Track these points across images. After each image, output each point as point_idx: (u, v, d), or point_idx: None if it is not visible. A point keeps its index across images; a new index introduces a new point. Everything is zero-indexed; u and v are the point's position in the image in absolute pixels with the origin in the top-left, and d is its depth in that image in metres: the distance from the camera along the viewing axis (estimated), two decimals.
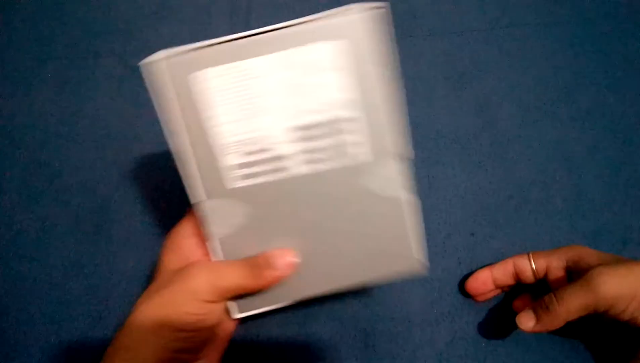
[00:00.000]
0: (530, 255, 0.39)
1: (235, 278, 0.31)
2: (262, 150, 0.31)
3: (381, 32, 0.29)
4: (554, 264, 0.38)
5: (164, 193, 0.47)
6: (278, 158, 0.31)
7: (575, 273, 0.35)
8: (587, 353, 0.40)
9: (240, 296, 0.33)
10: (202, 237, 0.33)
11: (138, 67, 0.30)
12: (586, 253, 0.37)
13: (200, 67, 0.30)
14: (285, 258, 0.32)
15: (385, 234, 0.32)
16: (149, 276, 0.44)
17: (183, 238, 0.34)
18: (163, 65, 0.30)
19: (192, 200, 0.32)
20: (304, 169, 0.31)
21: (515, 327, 0.36)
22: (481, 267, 0.41)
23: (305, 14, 0.29)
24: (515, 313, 0.36)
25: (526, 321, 0.35)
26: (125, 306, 0.42)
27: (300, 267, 0.32)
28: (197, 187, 0.32)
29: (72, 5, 0.57)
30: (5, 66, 0.54)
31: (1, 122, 0.51)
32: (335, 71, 0.30)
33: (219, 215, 0.32)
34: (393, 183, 0.32)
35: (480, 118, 0.49)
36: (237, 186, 0.32)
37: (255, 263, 0.32)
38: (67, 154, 0.49)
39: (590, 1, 0.55)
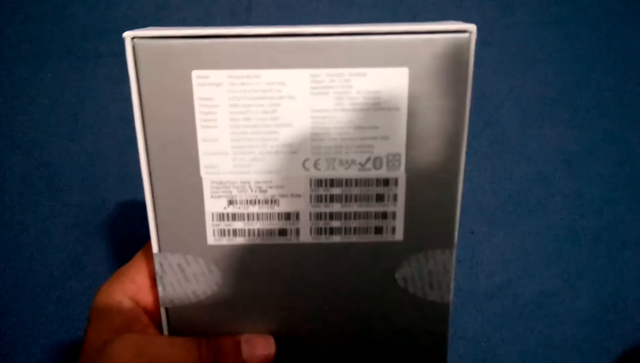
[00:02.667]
0: None
1: (176, 360, 0.23)
2: (266, 201, 0.23)
3: (466, 67, 0.22)
4: None
5: None
6: (283, 216, 0.23)
7: None
8: (587, 353, 0.40)
9: None
10: (145, 296, 0.25)
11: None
12: None
13: (210, 65, 0.21)
14: (265, 348, 0.24)
15: (407, 345, 0.25)
16: None
17: (114, 299, 0.25)
18: (150, 48, 0.21)
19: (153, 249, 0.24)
20: (312, 238, 0.23)
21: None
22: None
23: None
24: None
25: None
26: None
27: None
28: (158, 234, 0.24)
29: (72, 5, 0.57)
30: (4, 66, 0.54)
31: (1, 122, 0.51)
32: (392, 111, 0.22)
33: (178, 277, 0.24)
34: (433, 278, 0.24)
35: (480, 118, 0.49)
36: (214, 242, 0.23)
37: (215, 346, 0.23)
38: (67, 154, 0.49)
39: (591, 0, 0.55)
